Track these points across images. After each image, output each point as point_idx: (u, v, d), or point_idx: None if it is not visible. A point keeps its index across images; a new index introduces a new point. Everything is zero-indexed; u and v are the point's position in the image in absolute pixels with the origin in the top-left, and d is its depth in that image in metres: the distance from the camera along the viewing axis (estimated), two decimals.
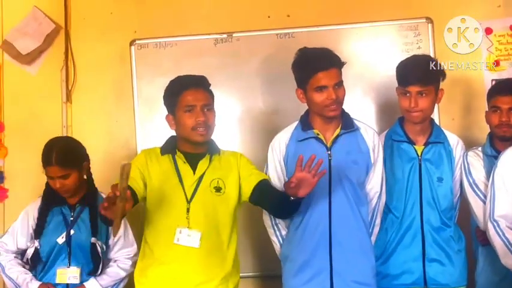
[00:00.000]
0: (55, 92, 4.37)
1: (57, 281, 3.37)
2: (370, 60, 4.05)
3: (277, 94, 4.01)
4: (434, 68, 3.47)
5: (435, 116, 3.98)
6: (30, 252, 3.44)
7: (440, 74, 3.44)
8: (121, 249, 3.54)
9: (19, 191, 4.30)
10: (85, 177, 3.50)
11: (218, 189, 3.16)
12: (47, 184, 3.47)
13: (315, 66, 3.19)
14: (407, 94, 3.36)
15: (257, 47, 4.11)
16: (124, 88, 4.27)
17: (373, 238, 3.38)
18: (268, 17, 4.26)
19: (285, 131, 3.39)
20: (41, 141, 4.10)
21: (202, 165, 3.15)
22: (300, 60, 3.29)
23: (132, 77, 4.27)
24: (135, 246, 3.54)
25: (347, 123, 3.31)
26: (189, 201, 3.12)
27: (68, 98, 4.35)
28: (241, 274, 3.84)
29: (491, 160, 3.41)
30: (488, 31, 4.21)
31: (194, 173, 3.14)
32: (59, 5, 4.37)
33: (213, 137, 3.69)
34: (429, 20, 4.17)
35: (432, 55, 4.00)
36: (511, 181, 3.21)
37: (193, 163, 3.15)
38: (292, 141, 3.33)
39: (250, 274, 4.22)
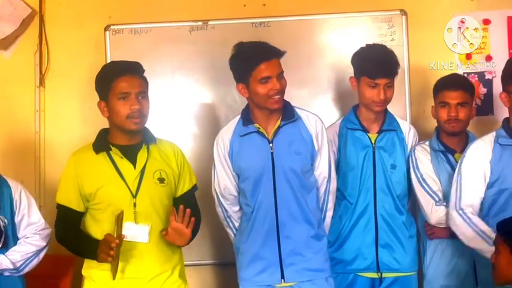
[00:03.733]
0: (28, 76, 4.39)
1: None
2: (344, 50, 4.04)
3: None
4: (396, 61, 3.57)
5: (406, 108, 4.19)
6: None
7: (398, 68, 3.59)
8: (27, 227, 3.54)
9: None
10: None
11: (162, 180, 3.18)
12: None
13: (257, 57, 3.26)
14: (375, 86, 3.45)
15: (232, 35, 3.99)
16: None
17: (328, 221, 3.46)
18: (244, 5, 4.32)
19: (228, 126, 3.48)
20: (13, 125, 4.33)
21: (141, 157, 3.16)
22: (240, 54, 3.35)
23: (106, 62, 4.14)
24: (42, 221, 3.56)
25: (287, 114, 3.37)
26: (134, 196, 3.12)
27: (41, 82, 4.37)
28: (196, 261, 4.07)
29: (438, 154, 3.55)
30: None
31: (135, 167, 3.14)
32: None
33: (193, 125, 3.75)
34: (403, 12, 4.21)
35: (405, 47, 4.15)
36: (477, 172, 3.31)
37: (131, 157, 3.15)
38: (235, 137, 3.40)
39: (209, 262, 4.34)
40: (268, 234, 3.33)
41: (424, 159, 3.55)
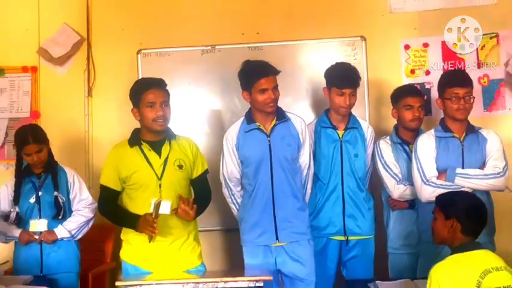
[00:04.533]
0: (79, 88, 4.45)
1: (31, 230, 3.59)
2: (318, 67, 4.01)
3: None
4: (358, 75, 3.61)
5: (366, 111, 4.25)
6: (13, 216, 3.60)
7: (359, 80, 3.62)
8: (79, 202, 3.71)
9: None
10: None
11: (180, 167, 3.23)
12: (17, 164, 3.69)
13: (259, 73, 3.33)
14: (342, 94, 3.52)
15: (234, 57, 4.08)
16: None
17: (307, 197, 3.54)
18: (243, 34, 4.38)
19: (234, 125, 3.51)
20: (68, 125, 4.45)
21: (164, 149, 3.22)
22: (246, 69, 3.41)
23: (138, 78, 4.08)
24: (90, 198, 3.71)
25: (280, 116, 3.44)
26: (159, 179, 3.19)
27: (89, 93, 4.44)
28: (208, 228, 4.06)
29: (397, 146, 3.65)
30: (407, 47, 4.36)
31: (160, 157, 3.20)
32: (83, 22, 4.42)
33: (205, 125, 4.08)
34: (363, 38, 4.29)
35: (365, 66, 4.23)
36: (429, 153, 3.38)
37: (157, 149, 3.21)
38: (240, 133, 3.45)
39: (217, 228, 4.34)
40: (265, 207, 3.40)
41: (386, 149, 3.63)
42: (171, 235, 3.21)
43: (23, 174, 3.67)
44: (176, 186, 3.22)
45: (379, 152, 3.64)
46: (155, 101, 3.16)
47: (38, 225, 3.61)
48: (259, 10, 4.40)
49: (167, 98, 3.23)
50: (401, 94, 3.69)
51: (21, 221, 3.63)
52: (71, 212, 3.71)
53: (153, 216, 2.96)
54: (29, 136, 3.58)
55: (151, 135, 3.23)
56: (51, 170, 3.68)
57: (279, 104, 3.46)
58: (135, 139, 3.26)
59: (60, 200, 3.64)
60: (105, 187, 3.27)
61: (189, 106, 4.28)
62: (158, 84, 3.23)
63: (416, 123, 3.62)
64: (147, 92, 3.17)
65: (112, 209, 3.29)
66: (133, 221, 3.11)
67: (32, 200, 3.63)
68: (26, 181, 3.66)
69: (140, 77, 4.20)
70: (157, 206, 2.99)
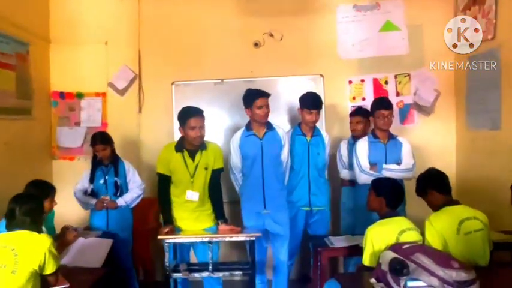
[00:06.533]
0: (133, 107, 4.39)
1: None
2: (294, 95, 3.87)
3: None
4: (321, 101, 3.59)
5: (323, 123, 4.08)
6: (89, 191, 3.62)
7: (322, 104, 3.60)
8: (133, 184, 3.68)
9: None
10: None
11: (206, 168, 3.23)
12: (92, 158, 3.66)
13: (257, 96, 3.35)
14: (311, 113, 3.50)
15: (236, 87, 4.05)
16: (168, 109, 4.26)
17: (285, 181, 3.52)
18: (242, 71, 4.27)
19: (238, 132, 3.49)
20: (125, 132, 4.35)
21: (197, 156, 3.20)
22: (248, 93, 3.40)
23: (172, 102, 4.26)
24: (141, 181, 3.69)
25: (269, 126, 3.43)
26: (192, 177, 3.20)
27: (140, 110, 4.40)
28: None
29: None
30: (350, 82, 4.30)
31: (193, 162, 3.20)
32: (136, 63, 4.35)
33: (220, 135, 3.94)
34: (322, 75, 4.23)
35: (323, 94, 3.99)
36: (363, 152, 3.39)
37: (192, 156, 3.20)
38: (242, 137, 3.45)
39: (225, 200, 3.90)
40: (257, 186, 3.40)
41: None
42: (196, 212, 3.25)
43: (95, 164, 3.67)
44: (203, 182, 3.24)
45: (355, 149, 3.45)
46: (196, 125, 3.14)
47: (104, 198, 3.63)
48: (253, 56, 4.34)
49: (203, 122, 3.19)
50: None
51: (94, 195, 3.63)
52: (127, 190, 3.69)
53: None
54: (97, 139, 3.61)
55: (190, 146, 3.22)
56: (114, 162, 3.67)
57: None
58: (180, 147, 3.23)
59: (118, 183, 3.65)
60: (161, 174, 3.27)
61: (206, 122, 4.03)
62: (198, 113, 3.18)
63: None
64: (190, 119, 3.14)
65: (164, 198, 3.27)
66: (168, 218, 3.20)
67: (101, 181, 3.64)
68: (98, 169, 3.66)
69: (174, 102, 4.22)
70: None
